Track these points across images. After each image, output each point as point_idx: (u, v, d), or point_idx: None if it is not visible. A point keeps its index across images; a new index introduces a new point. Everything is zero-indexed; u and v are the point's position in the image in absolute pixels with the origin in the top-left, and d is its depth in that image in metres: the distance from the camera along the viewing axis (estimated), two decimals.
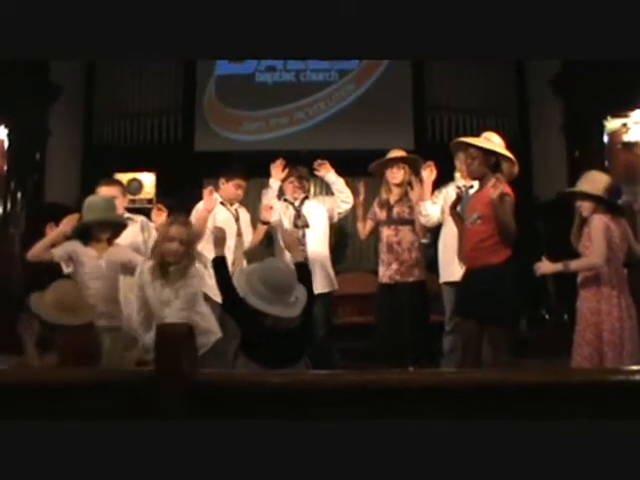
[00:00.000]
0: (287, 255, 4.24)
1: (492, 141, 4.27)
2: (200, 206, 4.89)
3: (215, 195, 4.91)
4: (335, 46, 2.77)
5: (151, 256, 3.93)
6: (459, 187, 4.70)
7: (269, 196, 5.12)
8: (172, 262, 3.83)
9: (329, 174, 5.18)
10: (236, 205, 5.13)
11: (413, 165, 5.10)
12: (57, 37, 2.64)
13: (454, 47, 2.78)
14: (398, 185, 5.08)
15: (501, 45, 2.72)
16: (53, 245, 4.04)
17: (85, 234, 4.04)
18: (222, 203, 5.02)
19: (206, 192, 4.84)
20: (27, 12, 2.57)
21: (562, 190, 4.57)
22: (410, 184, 5.05)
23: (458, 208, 4.49)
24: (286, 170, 5.18)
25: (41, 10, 2.58)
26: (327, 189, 5.76)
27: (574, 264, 3.98)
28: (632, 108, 7.37)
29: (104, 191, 4.53)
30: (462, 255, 4.42)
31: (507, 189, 4.00)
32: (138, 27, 2.65)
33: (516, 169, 4.18)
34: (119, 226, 4.18)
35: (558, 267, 3.99)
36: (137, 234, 4.58)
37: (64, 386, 2.02)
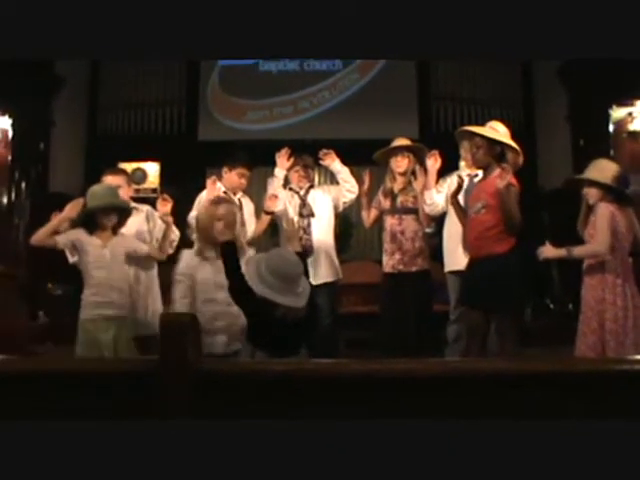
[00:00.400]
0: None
1: (497, 130, 4.26)
2: (203, 195, 4.88)
3: (218, 185, 4.91)
4: (338, 45, 2.76)
5: (197, 238, 3.87)
6: (460, 176, 4.66)
7: (274, 185, 5.09)
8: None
9: (334, 163, 5.15)
10: (239, 194, 5.12)
11: (417, 154, 5.08)
12: (61, 36, 2.64)
13: (458, 47, 2.77)
14: (402, 174, 5.06)
15: (504, 45, 2.71)
16: (57, 232, 4.04)
17: (90, 223, 4.04)
18: (225, 192, 5.01)
19: (209, 182, 4.84)
20: (30, 11, 2.57)
21: (570, 177, 4.55)
22: (414, 173, 5.03)
23: (460, 197, 4.48)
24: (291, 159, 5.16)
25: (44, 9, 2.57)
26: (332, 178, 5.75)
27: (577, 250, 3.97)
28: (637, 97, 7.35)
29: (109, 180, 4.52)
30: (466, 244, 4.41)
31: (512, 179, 4.00)
32: (139, 28, 2.66)
33: (521, 159, 4.18)
34: (124, 213, 4.17)
35: (561, 252, 3.98)
36: (142, 223, 4.57)
37: (68, 375, 2.03)
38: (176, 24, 2.64)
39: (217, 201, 3.93)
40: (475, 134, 4.23)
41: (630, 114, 7.44)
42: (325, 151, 5.16)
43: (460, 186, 4.44)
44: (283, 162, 5.11)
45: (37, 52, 2.73)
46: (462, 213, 4.37)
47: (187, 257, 3.84)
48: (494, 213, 4.02)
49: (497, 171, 4.05)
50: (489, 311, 4.07)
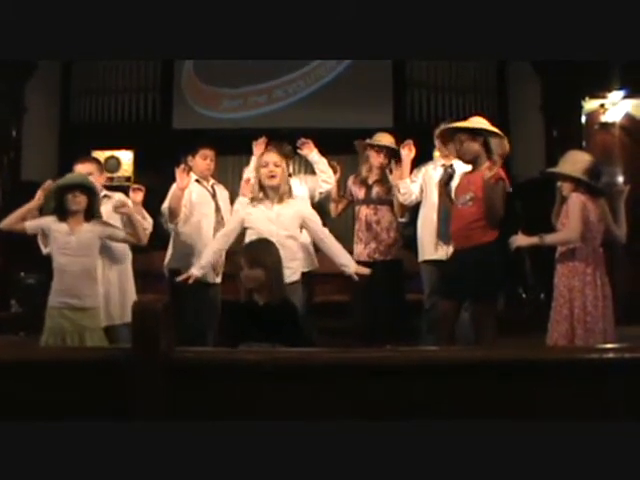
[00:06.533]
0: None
1: (479, 122, 4.24)
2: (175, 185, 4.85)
3: (192, 175, 4.89)
4: (317, 46, 2.78)
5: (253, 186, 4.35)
6: (451, 167, 4.66)
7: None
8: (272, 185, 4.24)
9: (312, 153, 5.10)
10: (212, 181, 5.10)
11: (394, 150, 5.09)
12: (35, 36, 2.63)
13: (434, 47, 2.79)
14: (379, 167, 5.08)
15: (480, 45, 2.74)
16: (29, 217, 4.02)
17: (61, 209, 3.98)
18: (197, 181, 4.98)
19: (178, 171, 4.75)
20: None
21: (543, 170, 4.58)
22: (390, 169, 5.05)
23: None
24: (269, 148, 5.13)
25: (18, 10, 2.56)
26: (306, 168, 5.72)
27: (549, 237, 4.00)
28: (610, 89, 7.41)
29: (80, 168, 4.46)
30: (441, 234, 4.42)
31: (502, 174, 3.97)
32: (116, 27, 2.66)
33: (507, 146, 4.10)
34: (93, 197, 4.09)
35: (534, 240, 4.00)
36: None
37: (39, 364, 2.01)
38: (161, 24, 2.65)
39: (262, 154, 4.50)
40: (458, 129, 4.18)
41: (602, 106, 7.51)
42: (304, 140, 5.11)
43: (451, 176, 4.43)
44: (260, 151, 5.07)
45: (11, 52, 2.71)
46: (449, 203, 4.36)
47: (242, 203, 4.46)
48: (481, 205, 3.99)
49: (487, 164, 4.01)
50: (472, 300, 4.07)
